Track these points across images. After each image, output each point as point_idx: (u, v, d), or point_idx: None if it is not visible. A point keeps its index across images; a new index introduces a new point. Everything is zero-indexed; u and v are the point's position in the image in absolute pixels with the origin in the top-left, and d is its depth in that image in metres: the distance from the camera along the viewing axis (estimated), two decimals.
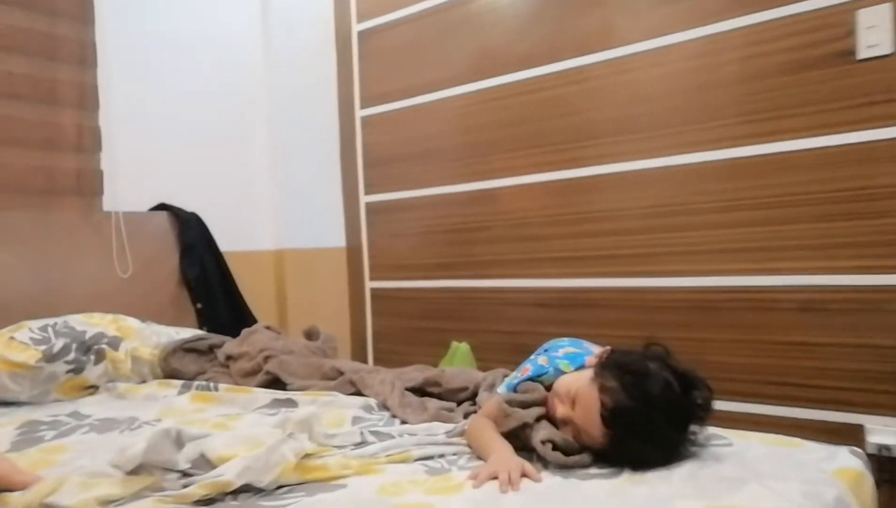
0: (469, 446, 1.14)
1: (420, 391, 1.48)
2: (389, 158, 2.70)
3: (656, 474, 0.99)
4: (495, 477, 0.98)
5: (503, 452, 1.05)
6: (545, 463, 1.06)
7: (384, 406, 1.39)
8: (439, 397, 1.47)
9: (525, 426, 1.09)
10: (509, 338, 2.42)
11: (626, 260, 2.15)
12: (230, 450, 0.96)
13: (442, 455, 1.11)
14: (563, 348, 1.23)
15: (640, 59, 2.10)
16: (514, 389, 1.17)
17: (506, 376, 1.38)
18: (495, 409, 1.14)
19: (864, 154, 1.77)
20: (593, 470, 1.03)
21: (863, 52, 1.76)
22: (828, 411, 1.83)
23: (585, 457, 1.05)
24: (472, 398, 1.44)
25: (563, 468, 1.04)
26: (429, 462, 1.08)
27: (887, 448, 1.70)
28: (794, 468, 1.01)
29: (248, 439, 0.99)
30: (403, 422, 1.32)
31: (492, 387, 1.40)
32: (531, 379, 1.17)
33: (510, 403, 1.11)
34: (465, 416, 1.34)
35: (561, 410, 1.09)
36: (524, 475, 0.99)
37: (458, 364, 2.38)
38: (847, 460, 1.06)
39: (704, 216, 2.01)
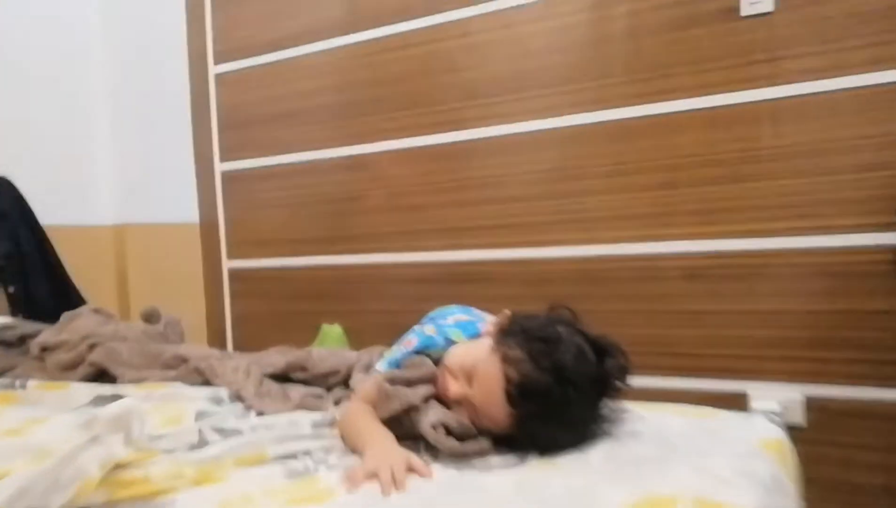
0: (342, 438, 0.93)
1: (283, 377, 1.24)
2: (249, 120, 2.40)
3: (569, 458, 0.83)
4: (375, 476, 0.77)
5: (383, 443, 0.85)
6: (436, 453, 0.87)
7: (238, 397, 1.14)
8: (305, 383, 1.24)
9: (411, 410, 0.89)
10: (388, 318, 2.21)
11: (512, 230, 2.01)
12: (3, 465, 0.68)
13: (307, 453, 0.89)
14: (453, 315, 1.04)
15: (524, 12, 1.95)
16: (397, 365, 0.96)
17: (383, 354, 1.18)
18: (373, 390, 0.93)
19: (746, 115, 1.72)
20: (494, 459, 0.85)
21: (746, 10, 1.70)
22: (714, 380, 1.77)
23: (484, 443, 0.87)
24: (346, 382, 1.22)
25: (458, 457, 0.85)
26: (289, 462, 0.85)
27: (773, 413, 1.66)
28: (716, 442, 0.88)
29: (33, 448, 0.72)
30: (260, 415, 1.08)
31: (368, 368, 1.19)
32: (416, 352, 0.97)
33: (392, 381, 0.91)
34: (337, 403, 1.12)
35: (454, 387, 0.90)
36: (410, 470, 0.79)
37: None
38: (767, 429, 0.95)
39: (592, 181, 1.89)
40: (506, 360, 0.85)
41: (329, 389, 1.22)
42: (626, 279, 1.87)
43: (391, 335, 2.12)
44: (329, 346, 2.14)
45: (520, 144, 1.98)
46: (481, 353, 0.89)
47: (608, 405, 0.90)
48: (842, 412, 1.63)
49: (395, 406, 0.88)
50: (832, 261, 1.64)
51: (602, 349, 0.88)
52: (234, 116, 2.42)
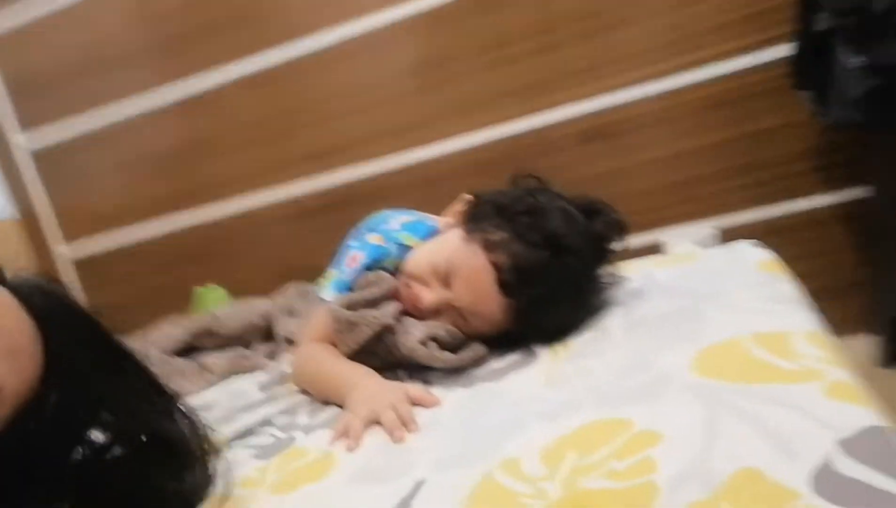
0: (305, 392, 0.74)
1: (187, 352, 1.01)
2: (48, 79, 1.98)
3: (583, 339, 0.69)
4: (374, 422, 0.61)
5: (369, 381, 0.68)
6: (426, 377, 0.71)
7: None
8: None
9: (384, 333, 0.71)
10: (273, 266, 1.97)
11: (390, 135, 1.82)
12: None
13: (266, 422, 0.70)
14: (395, 218, 0.86)
15: None
16: (348, 288, 0.78)
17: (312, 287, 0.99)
18: (327, 324, 0.74)
19: None
20: (495, 363, 0.71)
21: None
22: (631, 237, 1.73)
23: (479, 348, 0.72)
24: (267, 338, 1.02)
25: (453, 372, 0.70)
26: (252, 440, 0.66)
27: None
28: (722, 279, 0.79)
29: None
30: None
31: (291, 312, 1.00)
32: (368, 268, 0.78)
33: (351, 306, 0.73)
34: (272, 358, 0.92)
35: (429, 296, 0.73)
36: (413, 403, 0.63)
37: None
38: (755, 253, 0.87)
39: (463, 63, 1.73)
40: (488, 246, 0.70)
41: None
42: (522, 158, 1.75)
43: (282, 284, 1.91)
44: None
45: (379, 39, 1.76)
46: (454, 247, 0.72)
47: (605, 270, 0.77)
48: (757, 234, 1.64)
49: (365, 333, 0.70)
50: (719, 90, 1.61)
51: (589, 208, 0.75)
52: (26, 79, 1.99)
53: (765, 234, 1.57)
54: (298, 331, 0.86)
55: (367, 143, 1.83)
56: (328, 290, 0.77)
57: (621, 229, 0.75)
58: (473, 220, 0.74)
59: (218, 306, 1.87)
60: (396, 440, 0.57)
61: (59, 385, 0.47)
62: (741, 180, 1.65)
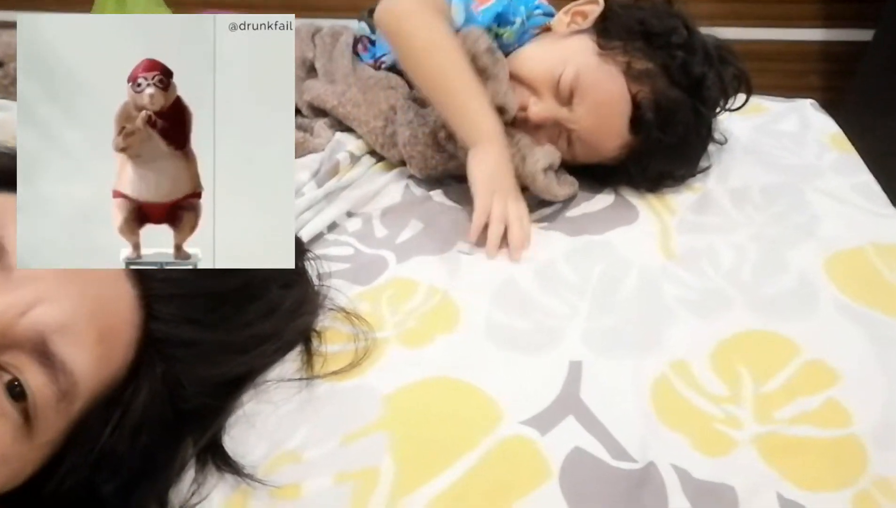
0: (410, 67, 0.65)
1: None
2: None
3: (688, 205, 0.65)
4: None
5: (494, 146, 0.59)
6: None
7: None
8: None
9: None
10: None
11: None
12: None
13: (335, 227, 0.61)
14: None
15: None
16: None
17: None
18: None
19: None
20: (588, 207, 0.65)
21: None
22: None
23: (573, 182, 0.66)
24: None
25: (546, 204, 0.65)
26: (332, 250, 0.58)
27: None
28: (802, 148, 0.76)
29: None
30: None
31: (311, 69, 0.79)
32: (490, 28, 0.65)
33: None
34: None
35: (539, 109, 0.63)
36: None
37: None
38: (823, 121, 0.84)
39: None
40: (631, 74, 0.60)
41: None
42: None
43: None
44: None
45: None
46: (585, 62, 0.61)
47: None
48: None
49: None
50: None
51: (721, 55, 0.65)
52: None
53: (746, 57, 1.53)
54: (333, 100, 0.70)
55: None
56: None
57: (748, 86, 0.68)
58: (612, 35, 0.62)
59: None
60: (515, 260, 0.56)
61: (151, 377, 0.37)
62: None
